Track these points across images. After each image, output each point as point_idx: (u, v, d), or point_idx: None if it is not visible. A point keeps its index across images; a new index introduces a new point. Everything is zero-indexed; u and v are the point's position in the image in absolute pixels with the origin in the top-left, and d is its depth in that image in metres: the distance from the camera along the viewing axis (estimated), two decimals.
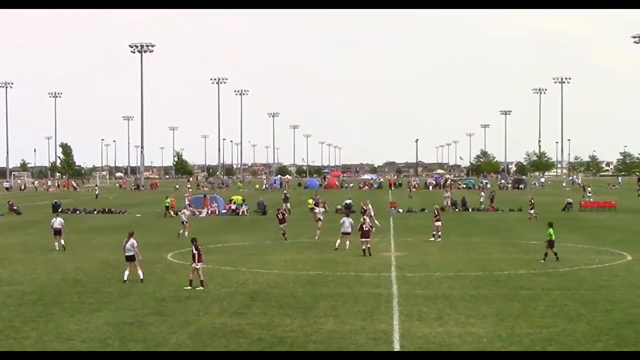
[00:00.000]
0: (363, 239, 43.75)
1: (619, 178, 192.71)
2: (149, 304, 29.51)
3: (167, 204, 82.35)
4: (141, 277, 34.57)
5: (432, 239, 51.66)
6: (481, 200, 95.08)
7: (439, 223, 52.54)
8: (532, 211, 73.27)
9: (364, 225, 44.16)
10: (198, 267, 33.12)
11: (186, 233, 54.07)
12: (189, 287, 32.73)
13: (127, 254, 35.11)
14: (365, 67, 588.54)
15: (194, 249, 33.43)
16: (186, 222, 57.03)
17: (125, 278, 34.50)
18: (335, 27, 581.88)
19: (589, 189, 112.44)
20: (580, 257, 43.31)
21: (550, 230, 41.38)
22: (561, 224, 67.23)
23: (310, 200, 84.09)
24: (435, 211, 53.62)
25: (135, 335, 24.35)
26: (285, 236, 53.56)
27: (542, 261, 40.57)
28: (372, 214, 59.89)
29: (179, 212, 65.06)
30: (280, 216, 55.48)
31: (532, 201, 76.22)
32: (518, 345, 22.80)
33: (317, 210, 60.64)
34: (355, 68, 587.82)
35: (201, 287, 32.71)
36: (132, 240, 35.27)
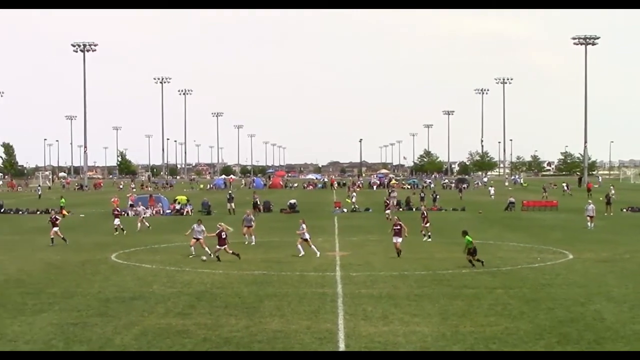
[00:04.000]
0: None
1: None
2: (93, 305, 29.31)
3: (62, 204, 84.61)
4: None
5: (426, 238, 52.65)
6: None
7: (428, 225, 53.87)
8: (388, 211, 74.38)
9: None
10: None
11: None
12: None
13: None
14: (310, 67, 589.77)
15: None
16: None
17: None
18: (280, 26, 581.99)
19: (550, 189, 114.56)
20: (522, 256, 43.70)
21: (468, 237, 39.30)
22: (504, 223, 68.08)
23: None
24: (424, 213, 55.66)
25: (80, 336, 24.17)
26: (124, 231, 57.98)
27: (473, 267, 38.88)
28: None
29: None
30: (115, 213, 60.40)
31: (387, 202, 78.97)
32: (462, 343, 22.96)
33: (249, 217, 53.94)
34: (299, 68, 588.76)
35: None
36: None
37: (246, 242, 49.85)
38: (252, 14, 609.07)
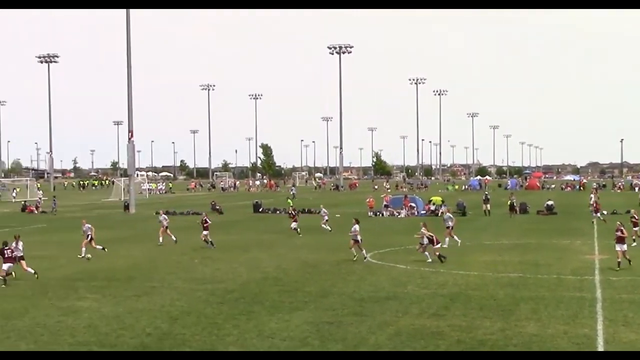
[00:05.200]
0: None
1: None
2: (348, 304, 29.57)
3: (290, 205, 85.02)
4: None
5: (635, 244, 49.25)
6: None
7: (636, 228, 50.78)
8: (597, 214, 71.18)
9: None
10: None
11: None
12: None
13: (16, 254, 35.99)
14: (567, 67, 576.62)
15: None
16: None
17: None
18: (533, 26, 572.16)
19: None
20: None
21: None
22: None
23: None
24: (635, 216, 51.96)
25: (335, 334, 24.41)
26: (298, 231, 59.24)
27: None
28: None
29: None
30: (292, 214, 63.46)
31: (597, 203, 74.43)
32: None
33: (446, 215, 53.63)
34: (557, 67, 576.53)
35: None
36: (20, 243, 37.03)
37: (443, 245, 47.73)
38: (506, 15, 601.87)
